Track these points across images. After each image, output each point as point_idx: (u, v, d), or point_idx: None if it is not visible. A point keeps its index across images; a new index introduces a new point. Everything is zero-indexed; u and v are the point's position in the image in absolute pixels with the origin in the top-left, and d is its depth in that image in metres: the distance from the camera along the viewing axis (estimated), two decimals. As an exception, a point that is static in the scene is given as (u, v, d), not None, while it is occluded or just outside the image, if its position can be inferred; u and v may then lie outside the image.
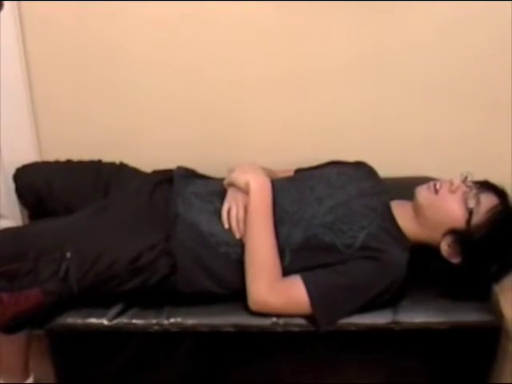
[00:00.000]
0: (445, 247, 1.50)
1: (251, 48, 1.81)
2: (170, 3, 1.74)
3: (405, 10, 1.73)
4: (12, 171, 1.84)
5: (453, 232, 1.48)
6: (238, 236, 1.54)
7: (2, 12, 1.72)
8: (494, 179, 1.56)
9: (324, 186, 1.62)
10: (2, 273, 1.49)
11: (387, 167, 1.76)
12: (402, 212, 1.57)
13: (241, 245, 1.53)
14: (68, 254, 1.50)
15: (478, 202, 1.48)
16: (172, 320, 1.51)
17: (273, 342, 1.52)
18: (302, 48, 1.80)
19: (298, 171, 1.81)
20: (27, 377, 1.78)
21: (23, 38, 1.81)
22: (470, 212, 1.47)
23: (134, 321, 1.52)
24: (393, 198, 1.62)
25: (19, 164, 1.85)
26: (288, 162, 1.84)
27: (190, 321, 1.51)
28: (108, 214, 1.62)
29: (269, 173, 1.67)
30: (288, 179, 1.71)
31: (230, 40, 1.80)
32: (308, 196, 1.60)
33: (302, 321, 1.48)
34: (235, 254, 1.53)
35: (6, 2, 1.72)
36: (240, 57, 1.83)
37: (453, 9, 1.72)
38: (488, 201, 1.49)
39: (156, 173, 1.81)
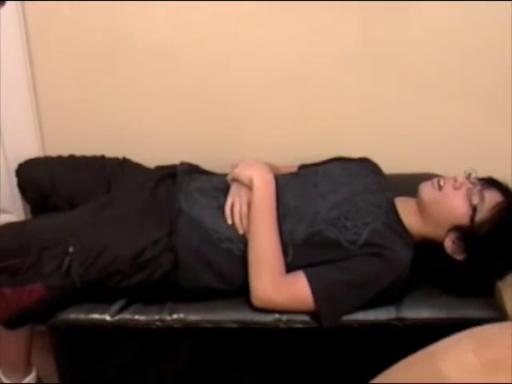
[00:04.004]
0: (449, 244, 1.49)
1: (255, 44, 1.81)
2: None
3: (408, 7, 1.72)
4: (15, 166, 1.84)
5: (457, 229, 1.48)
6: (241, 232, 1.54)
7: (6, 6, 1.71)
8: (499, 175, 1.55)
9: (328, 181, 1.62)
10: (5, 267, 1.49)
11: (391, 164, 1.76)
12: (406, 209, 1.56)
13: (244, 241, 1.53)
14: (71, 249, 1.50)
15: (482, 199, 1.47)
16: (174, 316, 1.51)
17: (276, 339, 1.52)
18: (307, 44, 1.80)
19: (302, 167, 1.81)
20: (29, 372, 1.78)
21: (26, 32, 1.80)
22: (474, 209, 1.47)
23: (137, 316, 1.52)
24: (397, 195, 1.61)
25: (22, 159, 1.85)
26: (292, 158, 1.85)
27: (193, 317, 1.51)
28: (111, 209, 1.61)
29: (272, 168, 1.67)
30: (292, 175, 1.70)
31: (234, 36, 1.80)
32: (312, 192, 1.60)
33: (305, 317, 1.48)
34: (238, 250, 1.53)
35: (9, -3, 1.72)
36: (244, 53, 1.82)
37: (455, 5, 1.71)
38: (492, 197, 1.49)
39: (159, 168, 1.81)
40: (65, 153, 1.87)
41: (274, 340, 1.52)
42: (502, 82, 1.79)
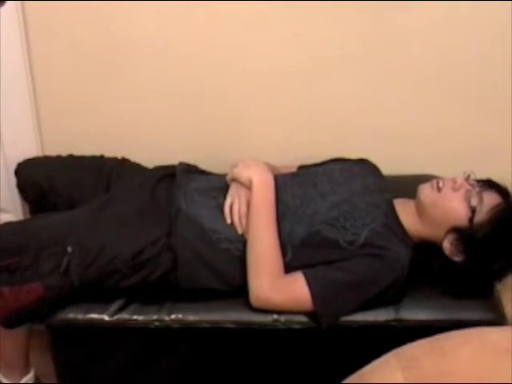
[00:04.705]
0: (447, 245, 1.50)
1: (254, 45, 1.81)
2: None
3: (408, 7, 1.72)
4: (14, 166, 1.84)
5: (455, 230, 1.48)
6: (240, 231, 1.54)
7: (6, 6, 1.71)
8: (498, 177, 1.56)
9: (327, 182, 1.62)
10: (3, 267, 1.49)
11: (390, 165, 1.76)
12: (404, 210, 1.57)
13: (242, 241, 1.53)
14: (69, 249, 1.50)
15: (480, 200, 1.47)
16: (173, 316, 1.51)
17: (274, 339, 1.52)
18: (307, 44, 1.80)
19: (301, 168, 1.81)
20: (28, 372, 1.78)
21: (26, 32, 1.80)
22: (473, 210, 1.47)
23: (135, 317, 1.52)
24: (396, 196, 1.61)
25: (21, 158, 1.85)
26: (291, 159, 1.84)
27: (191, 317, 1.51)
28: (110, 209, 1.61)
29: (272, 168, 1.67)
30: (291, 175, 1.70)
31: (233, 37, 1.80)
32: (311, 192, 1.60)
33: (303, 318, 1.48)
34: (237, 250, 1.53)
35: (9, -4, 1.72)
36: (243, 53, 1.82)
37: (455, 5, 1.71)
38: (491, 199, 1.49)
39: (158, 168, 1.81)
40: (64, 153, 1.87)
41: (272, 340, 1.52)
42: (502, 83, 1.79)
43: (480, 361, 1.11)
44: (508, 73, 1.78)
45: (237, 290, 1.51)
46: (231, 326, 1.50)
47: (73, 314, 1.52)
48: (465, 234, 1.47)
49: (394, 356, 1.20)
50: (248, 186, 1.57)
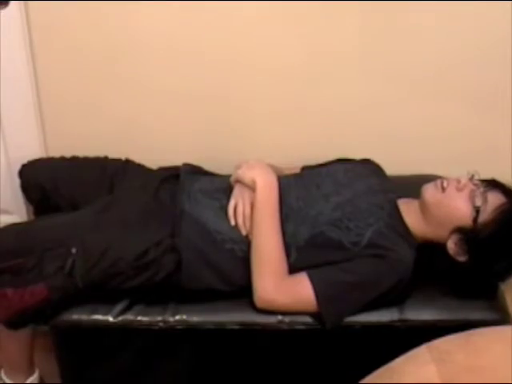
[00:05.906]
0: (451, 245, 1.49)
1: (257, 45, 1.81)
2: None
3: (408, 9, 1.72)
4: (17, 167, 1.84)
5: (459, 230, 1.48)
6: (244, 233, 1.54)
7: (9, 7, 1.71)
8: (500, 176, 1.56)
9: (331, 182, 1.62)
10: (7, 268, 1.49)
11: (394, 165, 1.76)
12: (408, 210, 1.57)
13: (246, 242, 1.53)
14: (73, 250, 1.50)
15: (485, 201, 1.47)
16: (177, 317, 1.51)
17: (278, 340, 1.52)
18: (309, 45, 1.79)
19: (305, 168, 1.81)
20: (32, 373, 1.78)
21: (29, 33, 1.80)
22: (477, 210, 1.47)
23: (139, 318, 1.52)
24: (399, 196, 1.61)
25: (25, 160, 1.85)
26: (294, 160, 1.84)
27: (195, 318, 1.51)
28: (114, 210, 1.62)
29: (275, 169, 1.67)
30: (294, 176, 1.70)
31: (236, 37, 1.79)
32: (314, 193, 1.60)
33: (307, 319, 1.48)
34: (241, 251, 1.53)
35: (12, -2, 1.72)
36: (246, 54, 1.82)
37: (453, 4, 1.71)
38: (495, 199, 1.49)
39: (162, 169, 1.81)
40: (67, 154, 1.87)
41: (276, 341, 1.52)
42: (503, 83, 1.79)
43: None
44: (508, 73, 1.78)
45: (241, 291, 1.52)
46: (235, 327, 1.50)
47: (77, 316, 1.52)
48: (469, 234, 1.47)
49: (427, 348, 1.19)
50: (252, 188, 1.57)
